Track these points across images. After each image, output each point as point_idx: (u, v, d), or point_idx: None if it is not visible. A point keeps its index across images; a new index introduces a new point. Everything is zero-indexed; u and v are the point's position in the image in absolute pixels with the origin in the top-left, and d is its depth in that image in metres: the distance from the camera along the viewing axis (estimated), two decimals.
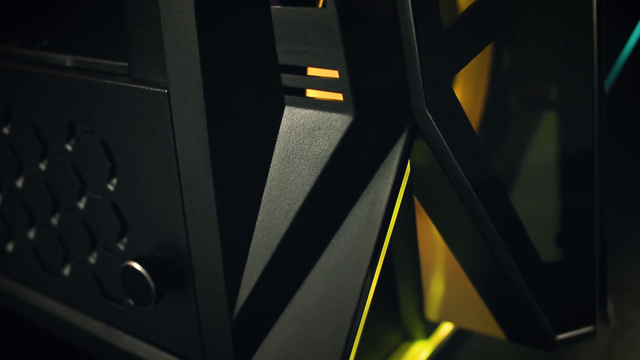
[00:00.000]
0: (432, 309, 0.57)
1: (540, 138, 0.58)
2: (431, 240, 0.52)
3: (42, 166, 0.51)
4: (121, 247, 0.47)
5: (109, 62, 0.44)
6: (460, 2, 0.51)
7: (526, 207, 0.51)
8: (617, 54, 0.60)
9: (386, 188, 0.39)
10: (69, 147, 0.48)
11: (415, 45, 0.37)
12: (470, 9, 0.41)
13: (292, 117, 0.40)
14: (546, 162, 0.56)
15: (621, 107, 0.57)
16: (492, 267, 0.47)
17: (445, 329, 0.59)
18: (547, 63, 0.56)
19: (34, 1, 0.60)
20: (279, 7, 0.38)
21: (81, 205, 0.49)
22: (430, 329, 0.57)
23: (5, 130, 0.53)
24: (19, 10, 0.60)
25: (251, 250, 0.40)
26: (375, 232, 0.39)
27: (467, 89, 0.54)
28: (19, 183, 0.53)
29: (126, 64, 0.43)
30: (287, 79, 0.40)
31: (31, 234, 0.54)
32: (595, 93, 0.53)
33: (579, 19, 0.52)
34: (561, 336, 0.51)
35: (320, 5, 0.38)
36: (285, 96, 0.40)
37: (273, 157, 0.40)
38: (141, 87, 0.42)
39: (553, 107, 0.57)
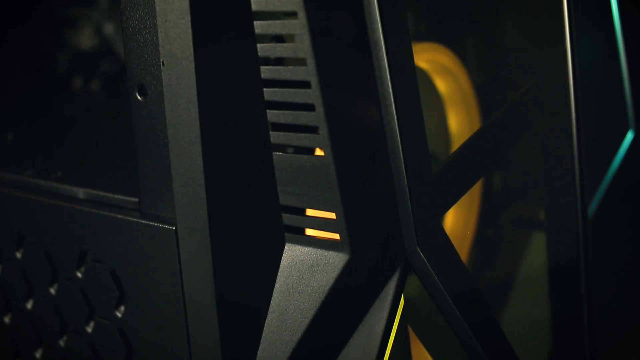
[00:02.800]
0: None
1: (528, 257, 0.60)
2: None
3: (52, 290, 0.53)
4: None
5: (120, 196, 0.47)
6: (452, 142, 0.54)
7: (517, 328, 0.53)
8: (601, 179, 0.63)
9: (381, 322, 0.41)
10: (79, 274, 0.50)
11: (407, 190, 0.40)
12: (457, 153, 0.44)
13: (292, 253, 0.42)
14: (535, 282, 0.59)
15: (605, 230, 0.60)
16: None
17: None
18: (531, 187, 0.59)
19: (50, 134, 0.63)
20: (281, 153, 0.41)
21: (89, 329, 0.51)
22: None
23: (18, 255, 0.55)
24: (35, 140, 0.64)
25: None
26: None
27: (457, 214, 0.57)
28: (29, 305, 0.55)
29: (136, 200, 0.46)
30: (287, 219, 0.42)
31: (38, 354, 0.56)
32: (579, 217, 0.55)
33: (560, 143, 0.55)
34: None
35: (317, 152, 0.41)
36: (285, 234, 0.43)
37: (274, 291, 0.43)
38: (150, 223, 0.44)
39: (539, 228, 0.60)
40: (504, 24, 0.59)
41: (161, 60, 0.40)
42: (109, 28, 0.88)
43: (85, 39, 0.89)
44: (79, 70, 0.88)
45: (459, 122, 0.59)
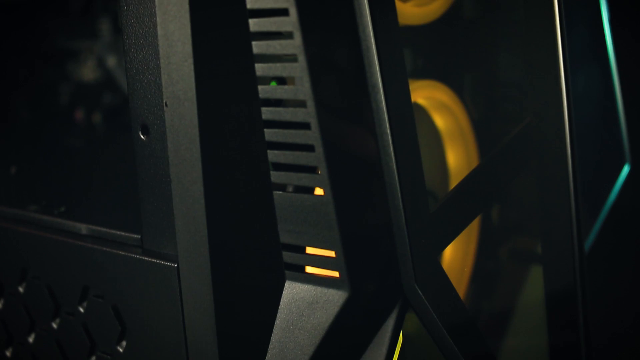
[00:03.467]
0: None
1: (525, 290, 0.61)
2: None
3: (54, 325, 0.53)
4: None
5: (123, 233, 0.48)
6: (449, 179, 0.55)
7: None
8: (598, 213, 0.63)
9: (380, 358, 0.42)
10: (81, 309, 0.51)
11: (405, 229, 0.41)
12: (455, 191, 0.45)
13: (292, 290, 0.43)
14: (532, 315, 0.59)
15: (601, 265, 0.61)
16: None
17: None
18: (528, 221, 0.60)
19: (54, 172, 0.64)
20: (281, 192, 0.42)
21: None
22: None
23: (20, 289, 0.56)
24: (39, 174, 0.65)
25: None
26: None
27: (456, 247, 0.58)
28: (30, 339, 0.56)
29: (139, 236, 0.47)
30: (287, 256, 0.43)
31: None
32: (576, 251, 0.56)
33: (556, 178, 0.56)
34: None
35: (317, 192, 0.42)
36: (286, 271, 0.43)
37: (274, 327, 0.43)
38: (152, 259, 0.45)
39: (537, 261, 0.60)
40: (500, 61, 0.60)
41: (164, 102, 0.41)
42: (111, 61, 0.89)
43: (88, 72, 0.91)
44: (81, 102, 0.89)
45: (457, 158, 0.59)
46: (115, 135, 0.82)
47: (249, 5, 0.40)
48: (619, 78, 0.69)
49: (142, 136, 0.44)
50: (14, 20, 0.88)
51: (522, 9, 0.58)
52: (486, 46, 0.59)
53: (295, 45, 0.38)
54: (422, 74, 0.55)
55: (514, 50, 0.60)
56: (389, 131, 0.39)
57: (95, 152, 0.77)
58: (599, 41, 0.69)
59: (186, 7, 0.39)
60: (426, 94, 0.55)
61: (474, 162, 0.59)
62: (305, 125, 0.39)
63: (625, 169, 0.67)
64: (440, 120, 0.58)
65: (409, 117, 0.41)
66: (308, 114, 0.39)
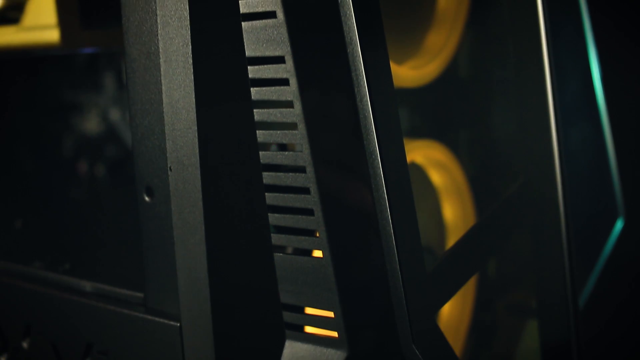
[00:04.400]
0: None
1: (521, 345, 0.62)
2: None
3: None
4: None
5: (126, 291, 0.49)
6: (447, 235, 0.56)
7: None
8: (592, 268, 0.64)
9: None
10: None
11: (402, 290, 0.42)
12: (451, 251, 0.46)
13: (292, 350, 0.44)
14: None
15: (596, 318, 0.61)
16: None
17: None
18: (523, 276, 0.61)
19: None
20: (281, 254, 0.43)
21: None
22: None
23: (24, 345, 0.56)
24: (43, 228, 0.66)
25: None
26: None
27: (453, 302, 0.59)
28: None
29: (142, 295, 0.48)
30: (287, 316, 0.44)
31: None
32: (570, 306, 0.57)
33: (550, 235, 0.57)
34: None
35: None
36: (286, 331, 0.44)
37: None
38: (155, 318, 0.46)
39: (533, 316, 0.61)
40: (494, 120, 0.62)
41: (169, 166, 0.43)
42: (114, 114, 0.91)
43: (91, 125, 0.92)
44: (85, 155, 0.91)
45: (454, 214, 0.61)
46: (118, 188, 0.84)
47: (251, 75, 0.41)
48: (610, 132, 0.70)
49: (146, 198, 0.46)
50: (20, 73, 0.90)
51: (514, 67, 0.60)
52: (480, 105, 0.61)
53: (295, 114, 0.40)
54: (419, 134, 0.57)
55: (507, 109, 0.62)
56: (385, 196, 0.41)
57: (99, 206, 0.78)
58: (590, 96, 0.70)
59: (190, 77, 0.40)
60: (423, 153, 0.56)
61: (471, 218, 0.60)
62: (305, 190, 0.41)
63: (619, 223, 0.68)
64: (437, 178, 0.59)
65: (405, 181, 0.43)
66: (308, 179, 0.40)
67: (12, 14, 0.65)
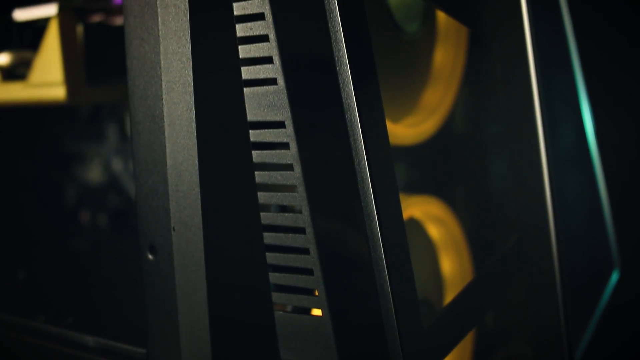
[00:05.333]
0: None
1: None
2: None
3: None
4: None
5: (128, 347, 0.50)
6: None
7: None
8: (588, 321, 0.65)
9: None
10: None
11: (399, 347, 0.43)
12: (448, 308, 0.47)
13: None
14: None
15: None
16: None
17: None
18: (520, 327, 0.61)
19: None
20: (282, 312, 0.44)
21: None
22: None
23: None
24: (46, 279, 0.67)
25: None
26: None
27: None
28: None
29: (144, 351, 0.49)
30: None
31: None
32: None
33: (546, 289, 0.58)
34: None
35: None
36: None
37: None
38: None
39: None
40: (490, 175, 0.63)
41: (172, 226, 0.44)
42: (117, 165, 0.92)
43: (94, 175, 0.93)
44: (87, 204, 0.92)
45: (451, 266, 0.62)
46: (120, 239, 0.85)
47: (252, 139, 0.43)
48: (604, 184, 0.72)
49: (149, 256, 0.46)
50: (24, 123, 0.92)
51: (508, 122, 0.62)
52: (476, 160, 0.62)
53: (295, 176, 0.41)
54: (418, 190, 0.58)
55: (502, 163, 0.63)
56: (383, 256, 0.42)
57: (102, 257, 0.79)
58: (583, 148, 0.72)
59: (194, 140, 0.42)
60: (421, 209, 0.58)
61: (468, 270, 0.61)
62: (304, 251, 0.42)
63: (615, 275, 0.69)
64: (434, 232, 0.61)
65: (402, 241, 0.44)
66: (307, 240, 0.42)
67: (19, 70, 0.67)
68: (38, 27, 0.65)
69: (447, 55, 0.60)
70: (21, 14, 0.65)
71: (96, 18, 0.68)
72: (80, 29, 0.63)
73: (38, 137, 0.94)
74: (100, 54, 0.64)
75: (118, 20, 0.69)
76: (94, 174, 0.93)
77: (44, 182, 0.93)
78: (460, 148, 0.61)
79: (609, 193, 0.72)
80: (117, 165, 0.92)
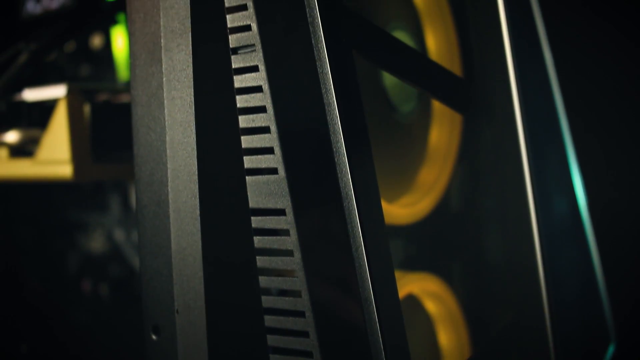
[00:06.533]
0: None
1: None
2: None
3: None
4: None
5: None
6: None
7: None
8: None
9: None
10: None
11: None
12: None
13: None
14: None
15: None
16: None
17: None
18: None
19: None
20: None
21: None
22: None
23: None
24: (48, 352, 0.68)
25: None
26: None
27: None
28: None
29: None
30: None
31: None
32: None
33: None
34: None
35: None
36: None
37: None
38: None
39: None
40: (486, 253, 0.64)
41: (176, 308, 0.45)
42: (119, 235, 0.93)
43: (96, 244, 0.95)
44: (89, 274, 0.93)
45: (449, 341, 0.63)
46: (122, 309, 0.86)
47: (254, 225, 0.44)
48: (598, 257, 0.73)
49: (153, 336, 0.48)
50: (29, 192, 0.93)
51: (500, 199, 0.63)
52: (471, 237, 0.64)
53: (295, 262, 0.43)
54: (414, 267, 0.60)
55: (496, 240, 0.64)
56: (380, 339, 0.43)
57: (103, 328, 0.80)
58: (577, 222, 0.73)
59: (198, 227, 0.43)
60: (419, 285, 0.59)
61: (465, 347, 0.62)
62: (304, 334, 0.43)
63: (611, 349, 0.70)
64: (432, 307, 0.62)
65: (399, 324, 0.45)
66: (307, 323, 0.43)
67: (27, 147, 0.69)
68: (46, 107, 0.67)
69: (443, 134, 0.62)
70: (31, 94, 0.67)
71: (102, 96, 0.70)
72: (87, 108, 0.65)
73: (41, 206, 0.95)
74: (106, 133, 0.66)
75: (124, 98, 0.71)
76: (96, 243, 0.95)
77: (46, 251, 0.94)
78: (456, 225, 0.62)
79: (603, 266, 0.73)
80: (119, 235, 0.93)
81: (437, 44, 0.61)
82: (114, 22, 0.79)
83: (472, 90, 0.60)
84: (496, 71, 0.60)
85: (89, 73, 0.90)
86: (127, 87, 0.71)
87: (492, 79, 0.61)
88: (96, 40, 0.87)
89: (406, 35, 0.58)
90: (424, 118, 0.62)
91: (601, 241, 0.74)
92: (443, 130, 0.62)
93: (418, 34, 0.60)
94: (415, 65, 0.52)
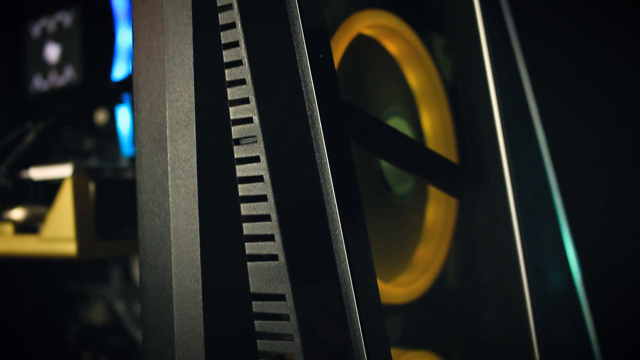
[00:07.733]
0: None
1: None
2: None
3: None
4: None
5: None
6: None
7: None
8: None
9: None
10: None
11: None
12: None
13: None
14: None
15: None
16: None
17: None
18: None
19: None
20: None
21: None
22: None
23: None
24: None
25: None
26: None
27: None
28: None
29: None
30: None
31: None
32: None
33: None
34: None
35: None
36: None
37: None
38: None
39: None
40: (483, 326, 0.66)
41: None
42: (120, 306, 0.94)
43: (97, 316, 0.95)
44: (89, 345, 0.93)
45: None
46: None
47: (255, 309, 0.46)
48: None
49: None
50: (30, 264, 0.94)
51: (494, 271, 0.65)
52: (469, 312, 0.65)
53: (295, 346, 0.44)
54: (412, 344, 0.61)
55: (493, 313, 0.66)
56: None
57: None
58: (569, 289, 0.74)
59: (200, 311, 0.45)
60: None
61: None
62: None
63: None
64: None
65: None
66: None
67: (33, 224, 0.70)
68: (52, 185, 0.69)
69: (439, 213, 0.64)
70: (37, 173, 0.69)
71: (107, 173, 0.71)
72: (91, 186, 0.67)
73: (42, 277, 0.96)
74: (110, 210, 0.68)
75: (128, 175, 0.72)
76: (97, 315, 0.95)
77: (46, 322, 0.95)
78: (452, 301, 0.64)
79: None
80: (120, 307, 0.94)
81: (432, 126, 0.63)
82: (120, 102, 0.82)
83: (466, 176, 0.62)
84: (489, 155, 0.62)
85: (93, 147, 0.92)
86: (131, 164, 0.73)
87: (486, 161, 0.63)
88: (100, 116, 0.89)
89: (402, 120, 0.60)
90: (420, 198, 0.63)
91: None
92: (439, 209, 0.64)
93: (414, 118, 0.62)
94: (410, 153, 0.54)
